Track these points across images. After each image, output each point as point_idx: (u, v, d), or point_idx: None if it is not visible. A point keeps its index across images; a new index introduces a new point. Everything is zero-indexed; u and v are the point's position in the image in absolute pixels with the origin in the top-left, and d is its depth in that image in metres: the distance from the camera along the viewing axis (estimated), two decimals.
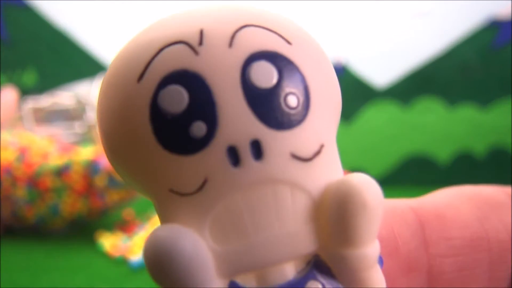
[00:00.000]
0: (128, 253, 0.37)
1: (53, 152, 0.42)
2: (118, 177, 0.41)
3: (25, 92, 0.56)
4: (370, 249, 0.09)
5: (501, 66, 0.72)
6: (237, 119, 0.09)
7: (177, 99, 0.09)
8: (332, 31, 0.72)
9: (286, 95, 0.09)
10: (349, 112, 0.73)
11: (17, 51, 0.72)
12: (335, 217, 0.09)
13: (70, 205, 0.43)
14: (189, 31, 0.09)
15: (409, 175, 0.73)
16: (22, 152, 0.42)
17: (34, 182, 0.42)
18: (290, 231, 0.09)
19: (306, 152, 0.09)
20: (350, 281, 0.09)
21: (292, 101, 0.09)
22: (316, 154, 0.09)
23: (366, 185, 0.09)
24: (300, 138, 0.09)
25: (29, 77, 0.72)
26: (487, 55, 0.72)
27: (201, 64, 0.09)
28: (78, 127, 0.45)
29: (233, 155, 0.09)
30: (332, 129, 0.10)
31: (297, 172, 0.09)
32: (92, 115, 0.42)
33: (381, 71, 0.73)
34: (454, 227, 0.14)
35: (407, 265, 0.13)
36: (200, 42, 0.09)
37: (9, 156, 0.43)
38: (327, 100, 0.10)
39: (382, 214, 0.09)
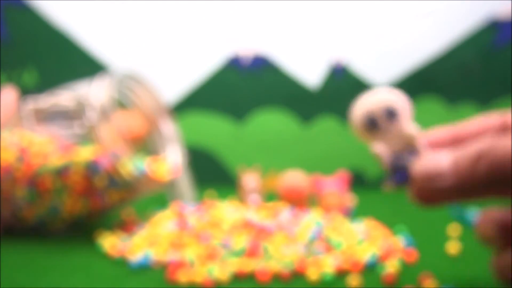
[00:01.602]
0: (127, 253, 0.37)
1: (53, 152, 0.42)
2: (118, 177, 0.41)
3: (25, 92, 0.56)
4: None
5: (501, 66, 0.72)
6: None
7: (371, 120, 0.27)
8: (332, 31, 0.72)
9: (393, 113, 0.27)
10: (349, 112, 0.73)
11: (17, 51, 0.72)
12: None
13: (70, 206, 0.43)
14: (375, 107, 0.27)
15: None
16: (22, 153, 0.42)
17: (34, 182, 0.42)
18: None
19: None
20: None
21: (394, 114, 0.27)
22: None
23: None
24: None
25: (29, 77, 0.72)
26: (487, 55, 0.72)
27: (373, 111, 0.27)
28: (78, 127, 0.45)
29: (371, 122, 0.27)
30: (410, 118, 0.27)
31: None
32: (92, 115, 0.42)
33: (381, 71, 0.73)
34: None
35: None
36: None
37: (9, 156, 0.43)
38: (407, 112, 0.27)
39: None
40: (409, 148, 0.27)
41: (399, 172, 0.27)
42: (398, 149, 0.27)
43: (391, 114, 0.27)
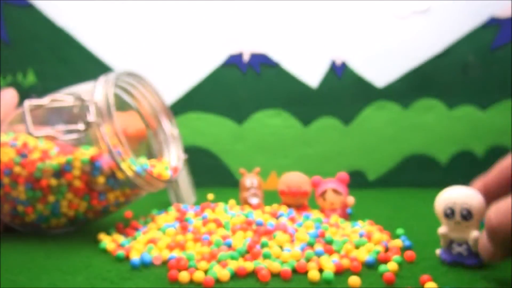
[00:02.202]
0: (128, 253, 0.37)
1: (53, 152, 0.42)
2: (118, 177, 0.41)
3: (25, 92, 0.56)
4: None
5: (500, 66, 0.72)
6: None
7: (451, 209, 0.34)
8: (332, 31, 0.72)
9: (470, 213, 0.33)
10: (349, 112, 0.73)
11: (17, 51, 0.72)
12: None
13: (70, 205, 0.43)
14: (449, 203, 0.34)
15: (409, 175, 0.73)
16: (22, 152, 0.42)
17: (34, 182, 0.42)
18: None
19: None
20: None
21: (470, 214, 0.34)
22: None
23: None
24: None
25: (29, 77, 0.72)
26: (487, 55, 0.72)
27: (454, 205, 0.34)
28: (78, 127, 0.44)
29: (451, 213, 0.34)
30: (479, 221, 0.34)
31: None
32: (92, 115, 0.41)
33: (381, 71, 0.73)
34: None
35: None
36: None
37: (9, 156, 0.43)
38: (480, 216, 0.34)
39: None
40: (467, 243, 0.34)
41: (453, 256, 0.34)
42: (459, 238, 0.34)
43: (468, 214, 0.33)
